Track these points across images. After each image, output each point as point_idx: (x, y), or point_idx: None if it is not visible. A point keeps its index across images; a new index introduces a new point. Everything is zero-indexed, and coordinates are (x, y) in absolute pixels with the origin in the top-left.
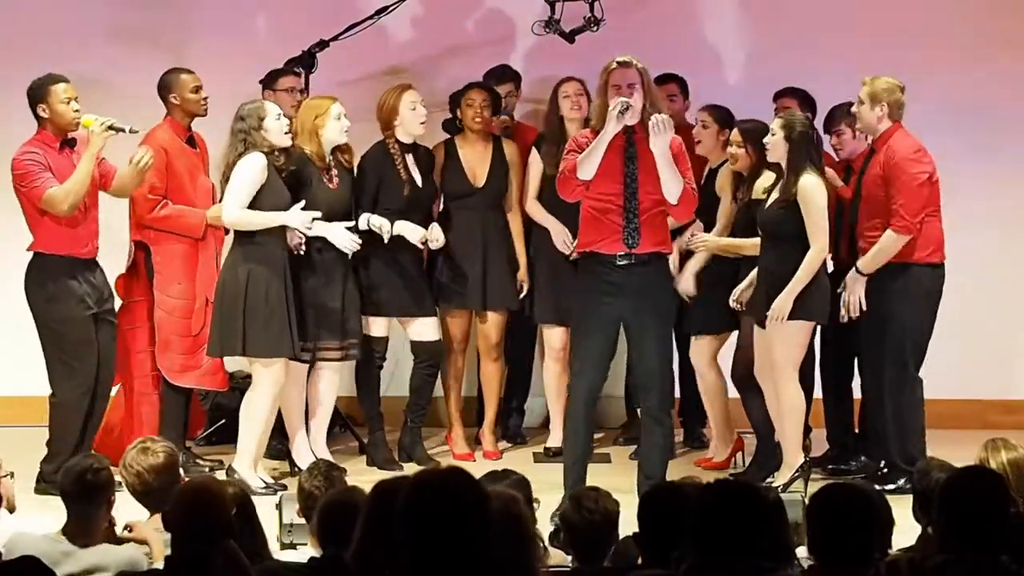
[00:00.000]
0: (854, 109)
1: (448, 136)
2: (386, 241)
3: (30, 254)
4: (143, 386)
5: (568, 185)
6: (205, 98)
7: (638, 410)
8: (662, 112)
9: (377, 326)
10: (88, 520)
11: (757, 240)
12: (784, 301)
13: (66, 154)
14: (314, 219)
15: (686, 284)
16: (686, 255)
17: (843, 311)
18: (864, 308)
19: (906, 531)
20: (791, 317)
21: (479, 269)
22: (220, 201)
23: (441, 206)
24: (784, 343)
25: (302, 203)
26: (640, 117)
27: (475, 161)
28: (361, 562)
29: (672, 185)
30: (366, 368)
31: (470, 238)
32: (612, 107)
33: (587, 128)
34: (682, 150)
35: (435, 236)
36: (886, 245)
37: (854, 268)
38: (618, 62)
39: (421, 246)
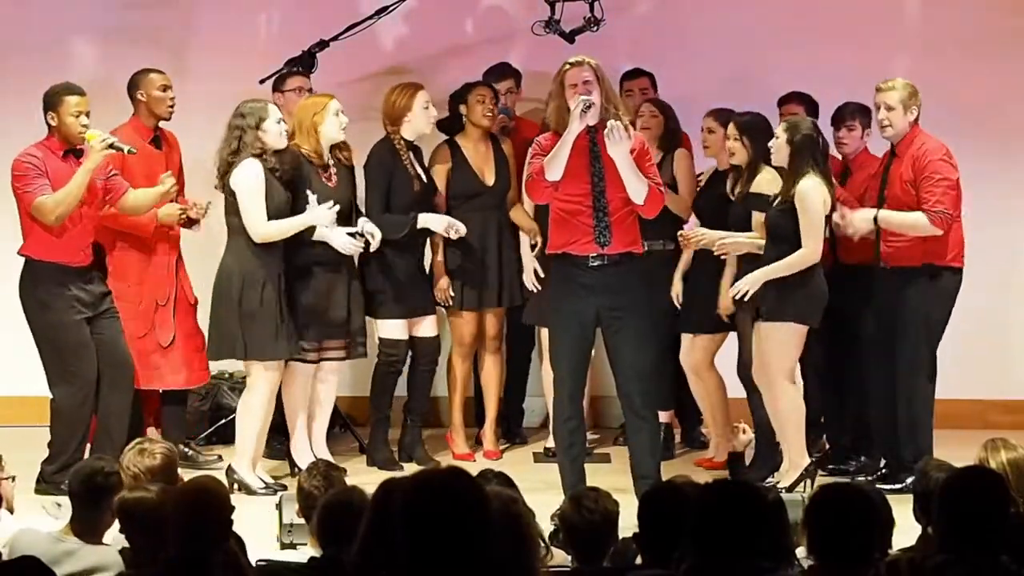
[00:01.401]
0: (880, 117)
1: (444, 136)
2: (372, 248)
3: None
4: None
5: (537, 187)
6: (172, 99)
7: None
8: (620, 108)
9: (394, 329)
10: (94, 522)
11: (753, 235)
12: (752, 280)
13: (70, 163)
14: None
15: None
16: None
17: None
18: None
19: (906, 531)
20: (783, 319)
21: (495, 267)
22: (175, 201)
23: (445, 208)
24: (776, 346)
25: (325, 201)
26: (600, 115)
27: (481, 160)
28: (364, 561)
29: (636, 187)
30: (382, 370)
31: (486, 237)
32: (574, 107)
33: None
34: (644, 148)
35: (454, 224)
36: (912, 224)
37: (873, 215)
38: (570, 63)
39: (446, 235)
